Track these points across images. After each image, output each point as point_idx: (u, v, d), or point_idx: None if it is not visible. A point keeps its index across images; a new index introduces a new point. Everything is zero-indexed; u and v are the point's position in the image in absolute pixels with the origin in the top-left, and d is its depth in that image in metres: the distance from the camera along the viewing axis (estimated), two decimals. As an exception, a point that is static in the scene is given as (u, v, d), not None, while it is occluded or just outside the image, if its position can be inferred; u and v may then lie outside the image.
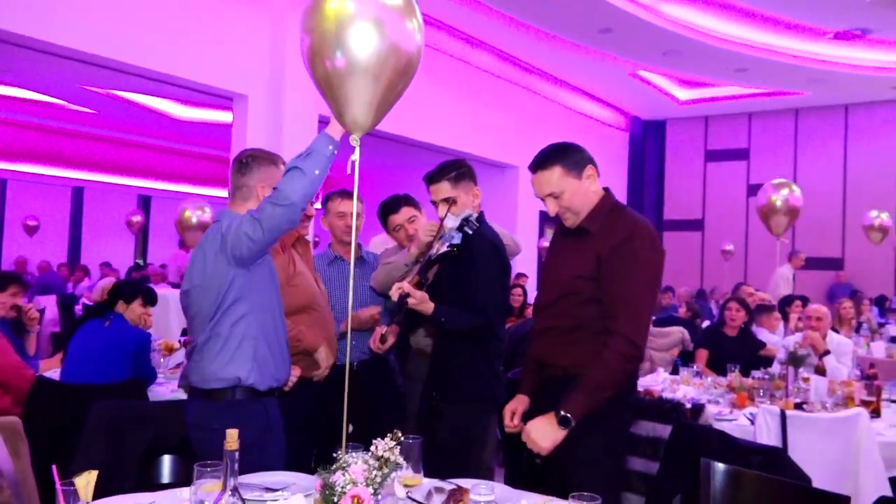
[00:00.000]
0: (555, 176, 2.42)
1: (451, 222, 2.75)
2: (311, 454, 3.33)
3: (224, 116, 9.83)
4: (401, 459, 1.62)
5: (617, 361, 2.28)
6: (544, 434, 2.28)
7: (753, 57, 10.42)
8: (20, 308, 4.33)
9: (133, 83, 8.41)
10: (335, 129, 2.29)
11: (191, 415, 2.42)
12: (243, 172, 2.51)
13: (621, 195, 14.33)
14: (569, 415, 2.26)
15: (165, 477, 2.57)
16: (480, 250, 2.76)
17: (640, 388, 4.56)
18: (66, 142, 13.69)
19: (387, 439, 1.64)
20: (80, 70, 7.87)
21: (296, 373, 2.67)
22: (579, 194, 2.43)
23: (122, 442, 2.66)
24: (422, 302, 2.63)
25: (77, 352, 3.61)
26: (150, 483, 2.55)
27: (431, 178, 2.89)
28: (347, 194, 3.62)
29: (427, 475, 2.18)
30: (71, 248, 15.36)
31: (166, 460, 2.62)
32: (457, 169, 2.88)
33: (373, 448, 1.62)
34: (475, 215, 2.81)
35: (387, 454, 1.58)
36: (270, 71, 7.27)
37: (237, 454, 1.50)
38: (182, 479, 2.51)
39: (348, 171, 1.98)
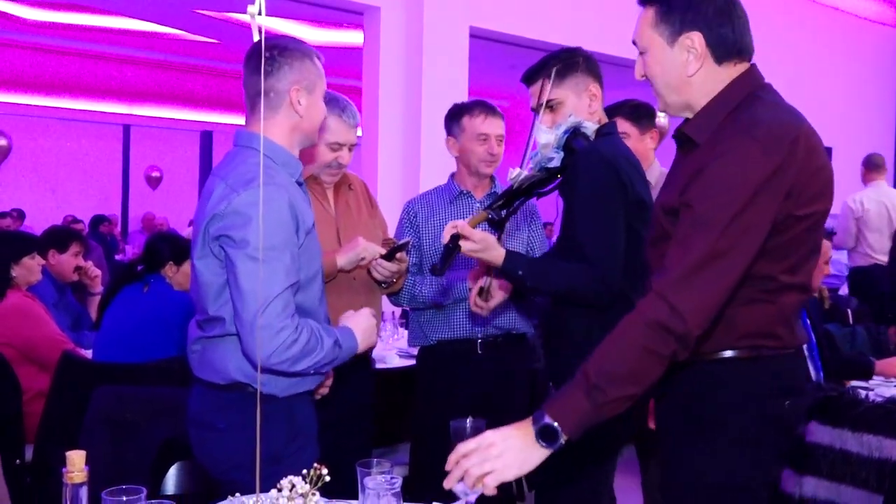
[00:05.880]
0: (646, 23, 1.77)
1: (546, 136, 2.23)
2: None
3: (358, 38, 9.81)
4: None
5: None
6: (516, 457, 1.56)
7: None
8: (81, 269, 4.33)
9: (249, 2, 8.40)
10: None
11: (192, 407, 2.15)
12: (269, 71, 2.07)
13: (889, 111, 12.65)
14: (556, 423, 1.57)
15: (171, 486, 2.31)
16: (583, 173, 2.23)
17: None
18: (191, 79, 14.07)
19: (297, 482, 1.22)
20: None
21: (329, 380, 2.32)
22: (668, 67, 1.75)
23: (128, 438, 2.46)
24: (485, 248, 2.15)
25: (110, 325, 3.45)
26: (157, 493, 2.31)
27: (529, 77, 2.40)
28: (493, 110, 3.14)
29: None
30: (201, 200, 15.87)
31: (181, 465, 2.37)
32: (562, 60, 2.35)
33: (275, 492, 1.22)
34: (590, 125, 2.28)
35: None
36: (406, -25, 6.98)
37: (84, 490, 1.16)
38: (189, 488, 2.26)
39: (255, 37, 1.55)
